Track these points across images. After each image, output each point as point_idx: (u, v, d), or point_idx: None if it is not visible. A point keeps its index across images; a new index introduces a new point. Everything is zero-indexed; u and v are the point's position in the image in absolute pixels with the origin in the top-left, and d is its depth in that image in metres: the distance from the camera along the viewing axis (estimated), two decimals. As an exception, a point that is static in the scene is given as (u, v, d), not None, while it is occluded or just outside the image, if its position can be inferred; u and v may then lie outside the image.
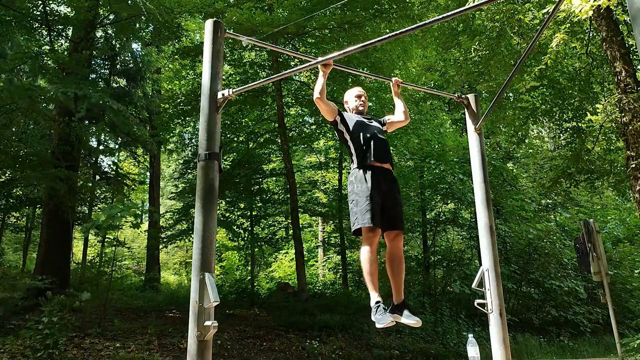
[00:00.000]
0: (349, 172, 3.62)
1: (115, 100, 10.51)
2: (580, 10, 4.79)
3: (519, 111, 8.97)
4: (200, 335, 2.55)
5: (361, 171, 3.30)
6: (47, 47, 10.93)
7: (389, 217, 3.25)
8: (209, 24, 3.09)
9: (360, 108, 3.65)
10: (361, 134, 3.40)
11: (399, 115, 3.79)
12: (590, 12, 4.98)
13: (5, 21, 9.53)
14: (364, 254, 3.14)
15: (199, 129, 3.18)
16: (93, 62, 11.96)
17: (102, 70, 13.85)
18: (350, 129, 3.45)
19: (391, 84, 3.83)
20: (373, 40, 3.12)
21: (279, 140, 12.15)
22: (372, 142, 3.34)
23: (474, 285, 3.51)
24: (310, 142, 13.86)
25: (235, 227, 13.02)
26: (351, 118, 3.53)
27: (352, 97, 3.71)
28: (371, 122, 3.55)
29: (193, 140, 14.50)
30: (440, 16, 2.83)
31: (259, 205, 13.27)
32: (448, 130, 14.35)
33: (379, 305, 3.08)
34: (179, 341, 7.91)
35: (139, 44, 14.32)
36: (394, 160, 3.57)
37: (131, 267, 17.30)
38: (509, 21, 7.40)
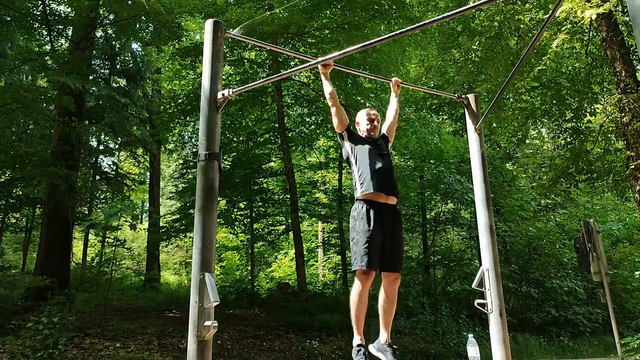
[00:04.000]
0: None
1: (115, 100, 10.55)
2: (583, 16, 4.82)
3: (518, 111, 8.97)
4: (200, 335, 2.55)
5: (364, 208, 3.19)
6: (47, 47, 10.93)
7: (389, 258, 3.18)
8: (209, 24, 3.09)
9: (372, 133, 3.51)
10: (368, 163, 3.28)
11: (390, 115, 3.74)
12: (594, 16, 4.99)
13: (5, 21, 9.53)
14: (355, 295, 3.09)
15: (199, 129, 3.18)
16: (93, 62, 11.97)
17: (102, 70, 13.86)
18: (357, 155, 3.34)
19: (391, 84, 3.82)
20: (373, 41, 3.12)
21: (279, 141, 12.16)
22: (377, 174, 3.23)
23: (474, 285, 3.52)
24: (311, 141, 13.87)
25: (236, 223, 13.08)
26: (359, 141, 3.41)
27: (364, 119, 3.56)
28: (379, 150, 3.41)
29: (193, 140, 14.51)
30: (440, 16, 2.84)
31: (259, 204, 13.29)
32: (446, 133, 14.35)
33: (360, 349, 3.09)
34: (179, 341, 7.91)
35: (139, 44, 14.32)
36: (399, 189, 3.49)
37: (131, 267, 17.30)
38: (509, 21, 7.40)
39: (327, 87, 3.34)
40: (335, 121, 3.44)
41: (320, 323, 9.56)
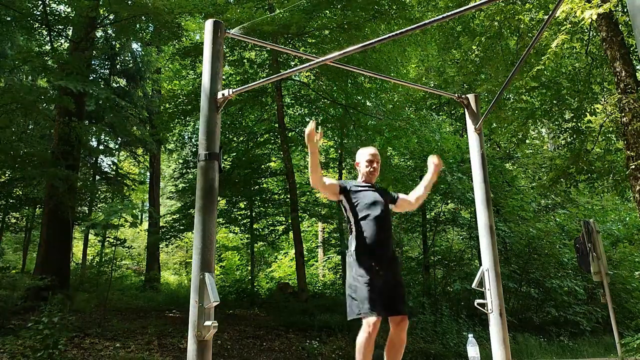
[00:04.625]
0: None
1: (115, 101, 10.56)
2: (583, 16, 4.84)
3: (518, 112, 8.98)
4: (200, 335, 2.55)
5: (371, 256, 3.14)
6: (48, 47, 10.94)
7: (391, 301, 3.09)
8: (209, 24, 3.09)
9: (371, 176, 3.40)
10: (365, 217, 3.20)
11: (413, 197, 3.49)
12: (595, 17, 5.00)
13: (5, 21, 9.53)
14: (362, 342, 2.94)
15: (199, 129, 3.18)
16: (93, 62, 11.97)
17: (102, 70, 13.85)
18: (356, 210, 3.25)
19: (431, 163, 3.47)
20: (373, 41, 3.12)
21: (279, 140, 12.16)
22: (375, 229, 3.17)
23: (473, 285, 3.51)
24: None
25: (235, 222, 13.10)
26: (357, 196, 3.29)
27: (363, 160, 3.44)
28: (377, 200, 3.28)
29: (193, 140, 14.50)
30: (440, 16, 2.83)
31: (259, 204, 13.29)
32: (447, 133, 14.35)
33: None
34: (179, 341, 7.91)
35: (139, 44, 14.32)
36: (394, 238, 3.38)
37: (131, 267, 17.31)
38: (509, 21, 7.40)
39: (314, 167, 3.11)
40: (330, 197, 3.36)
41: (320, 323, 9.55)
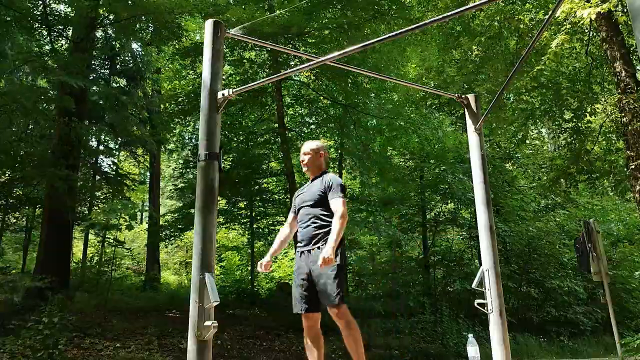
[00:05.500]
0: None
1: (115, 99, 10.56)
2: (582, 15, 4.84)
3: (518, 112, 8.98)
4: (200, 335, 2.55)
5: (296, 253, 3.33)
6: (48, 47, 10.93)
7: (316, 297, 3.21)
8: (209, 24, 3.09)
9: (304, 169, 3.46)
10: (298, 216, 3.36)
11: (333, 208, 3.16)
12: (593, 16, 5.00)
13: (5, 21, 9.52)
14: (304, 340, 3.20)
15: (199, 129, 3.18)
16: (93, 62, 11.96)
17: (102, 70, 13.82)
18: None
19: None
20: (372, 40, 3.12)
21: (279, 140, 12.16)
22: (300, 227, 3.33)
23: (473, 285, 3.51)
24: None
25: (236, 222, 13.11)
26: (295, 204, 3.45)
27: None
28: (304, 199, 3.32)
29: (193, 140, 14.50)
30: (440, 16, 2.84)
31: (259, 204, 13.29)
32: (447, 131, 14.35)
33: None
34: (179, 341, 7.91)
35: (139, 44, 14.30)
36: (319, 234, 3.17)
37: (131, 267, 17.30)
38: (509, 21, 7.41)
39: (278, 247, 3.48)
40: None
41: (320, 323, 9.55)
